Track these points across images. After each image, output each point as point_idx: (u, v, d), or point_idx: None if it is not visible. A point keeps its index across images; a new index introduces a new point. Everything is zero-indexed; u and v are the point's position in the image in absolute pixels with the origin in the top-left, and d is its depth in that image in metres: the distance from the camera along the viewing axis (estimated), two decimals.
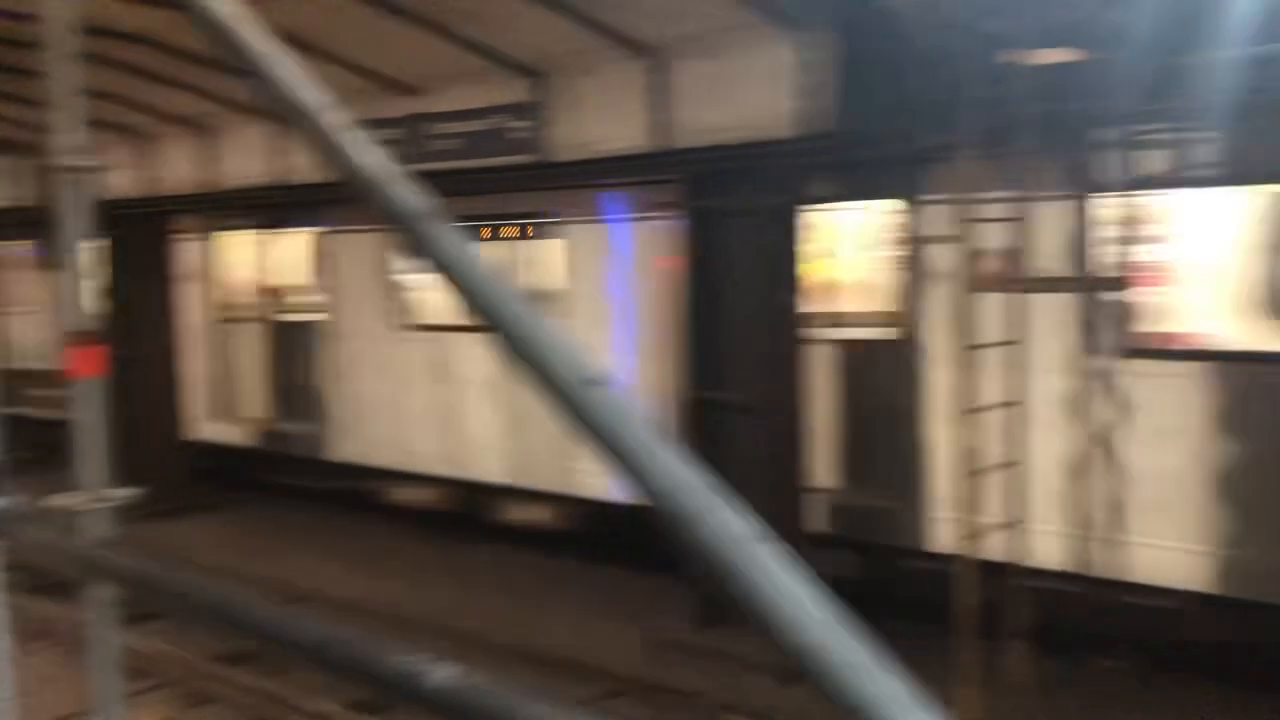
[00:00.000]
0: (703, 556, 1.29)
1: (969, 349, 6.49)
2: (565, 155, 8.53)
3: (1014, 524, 6.89)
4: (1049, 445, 7.15)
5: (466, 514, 10.42)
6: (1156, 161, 6.88)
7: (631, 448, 1.36)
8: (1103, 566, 7.14)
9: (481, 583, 9.41)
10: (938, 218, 7.44)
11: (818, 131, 6.52)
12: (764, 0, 6.69)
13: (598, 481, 8.57)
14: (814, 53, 6.78)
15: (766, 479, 7.47)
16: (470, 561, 10.00)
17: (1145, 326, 6.99)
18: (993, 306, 6.91)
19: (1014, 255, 6.79)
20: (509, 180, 8.97)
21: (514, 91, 8.71)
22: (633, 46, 7.83)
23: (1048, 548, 7.16)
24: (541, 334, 1.43)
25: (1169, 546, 6.91)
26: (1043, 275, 6.94)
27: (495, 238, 9.78)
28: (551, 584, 9.26)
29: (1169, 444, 6.79)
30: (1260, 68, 6.35)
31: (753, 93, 7.24)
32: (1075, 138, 7.02)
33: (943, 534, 7.37)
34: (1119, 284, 6.97)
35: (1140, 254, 7.03)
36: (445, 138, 9.16)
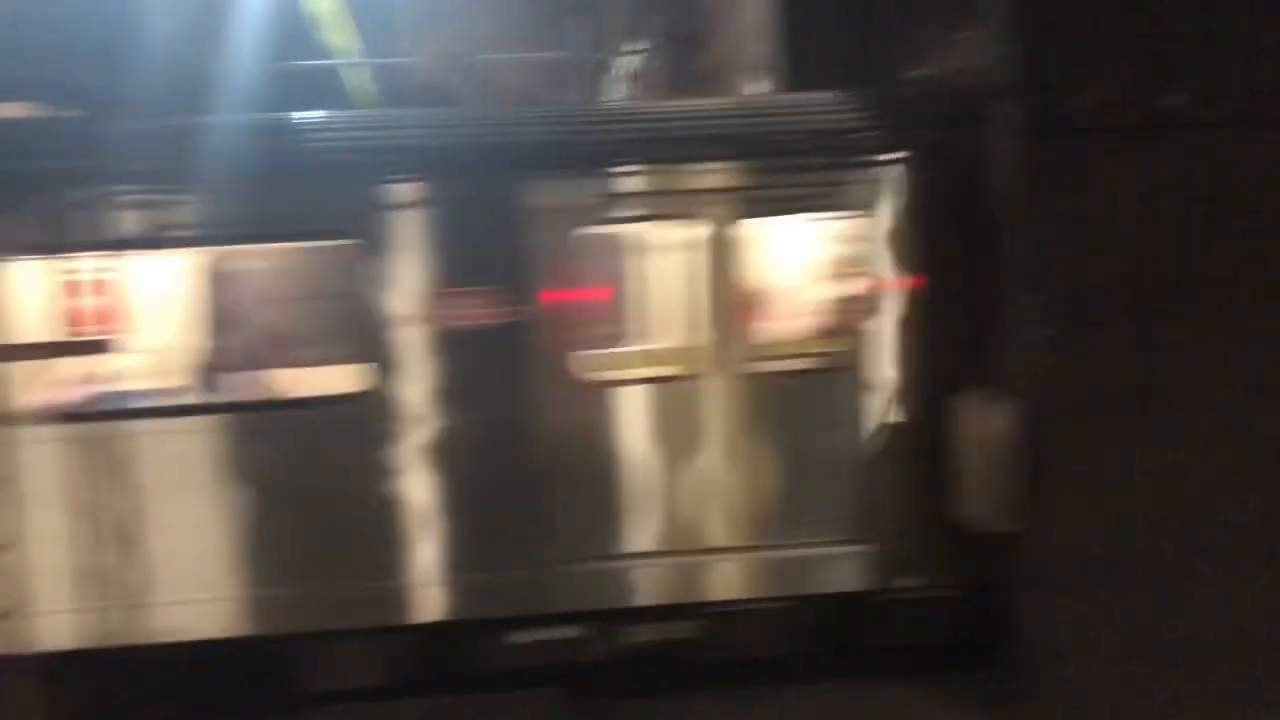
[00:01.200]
0: None
1: None
2: None
3: (15, 611, 6.36)
4: (53, 521, 6.78)
5: None
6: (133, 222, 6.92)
7: None
8: (133, 632, 6.96)
9: None
10: None
11: None
12: None
13: None
14: None
15: None
16: None
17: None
18: None
19: None
20: None
21: None
22: None
23: (63, 627, 6.76)
24: None
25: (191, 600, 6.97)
26: (18, 341, 6.53)
27: None
28: None
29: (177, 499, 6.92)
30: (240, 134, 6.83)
31: None
32: (43, 196, 6.75)
33: None
34: (93, 347, 6.86)
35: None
36: None
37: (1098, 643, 6.16)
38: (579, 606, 6.98)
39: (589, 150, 6.96)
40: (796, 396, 7.04)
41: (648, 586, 7.02)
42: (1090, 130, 5.96)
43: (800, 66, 9.21)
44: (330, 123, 7.23)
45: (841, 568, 7.06)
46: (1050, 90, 6.01)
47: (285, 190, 6.76)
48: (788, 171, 6.98)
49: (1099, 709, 6.19)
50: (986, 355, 6.54)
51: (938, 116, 7.01)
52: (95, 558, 6.86)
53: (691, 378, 7.01)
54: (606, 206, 6.95)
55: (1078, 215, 6.08)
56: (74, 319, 6.90)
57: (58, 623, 6.72)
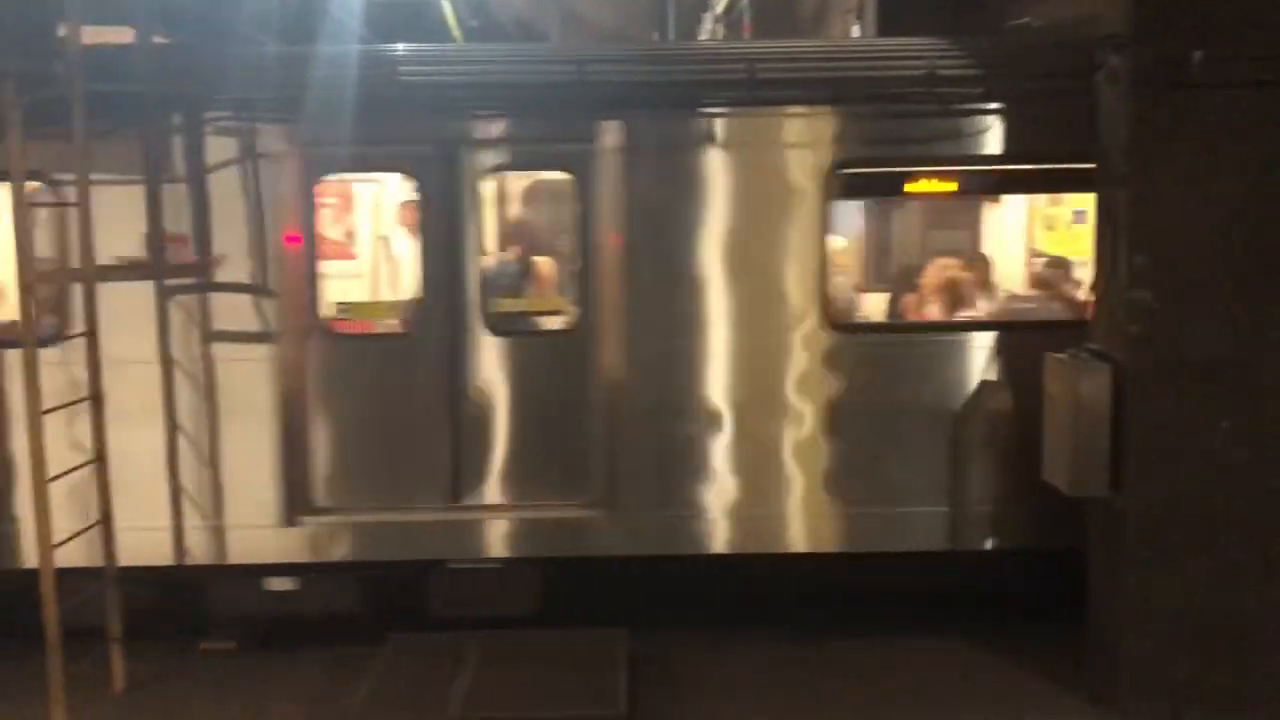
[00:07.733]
0: None
1: (32, 348, 6.00)
2: None
3: (101, 524, 6.56)
4: (140, 439, 6.97)
5: None
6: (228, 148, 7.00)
7: None
8: (203, 553, 7.15)
9: None
10: None
11: None
12: None
13: None
14: None
15: None
16: None
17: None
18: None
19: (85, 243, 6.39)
20: None
21: None
22: None
23: (142, 543, 6.96)
24: None
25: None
26: (115, 262, 6.67)
27: None
28: None
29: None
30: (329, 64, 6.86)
31: None
32: (143, 120, 6.84)
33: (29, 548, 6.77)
34: (197, 269, 6.98)
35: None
36: None
37: (1169, 613, 6.03)
38: None
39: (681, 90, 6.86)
40: None
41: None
42: (1201, 85, 5.68)
43: (898, 12, 8.92)
44: (419, 56, 7.20)
45: (934, 526, 7.08)
46: (1163, 42, 5.73)
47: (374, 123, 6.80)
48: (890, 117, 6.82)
49: (1163, 678, 6.08)
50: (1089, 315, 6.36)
51: (1043, 65, 6.76)
52: None
53: None
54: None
55: (1183, 173, 5.82)
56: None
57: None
